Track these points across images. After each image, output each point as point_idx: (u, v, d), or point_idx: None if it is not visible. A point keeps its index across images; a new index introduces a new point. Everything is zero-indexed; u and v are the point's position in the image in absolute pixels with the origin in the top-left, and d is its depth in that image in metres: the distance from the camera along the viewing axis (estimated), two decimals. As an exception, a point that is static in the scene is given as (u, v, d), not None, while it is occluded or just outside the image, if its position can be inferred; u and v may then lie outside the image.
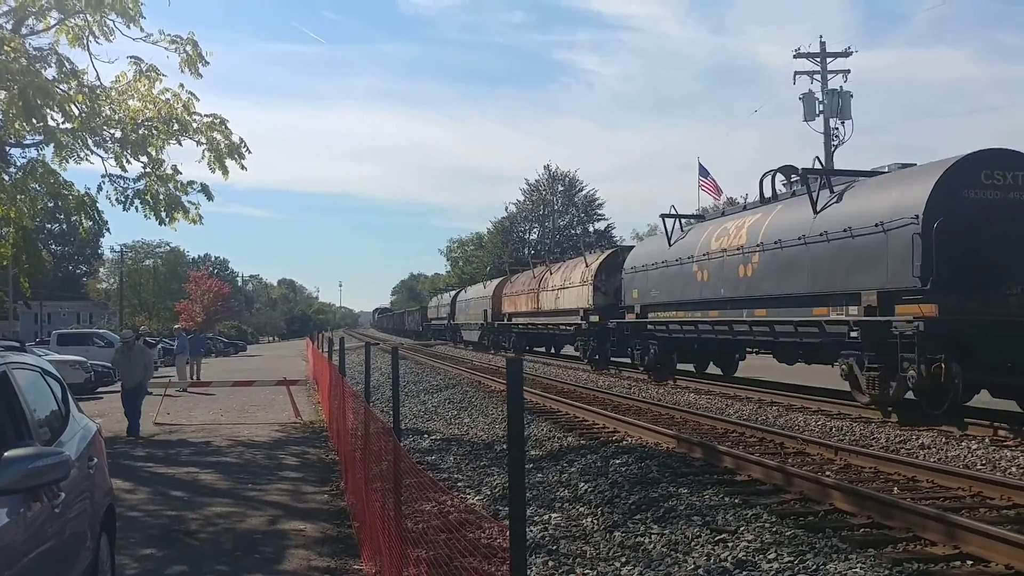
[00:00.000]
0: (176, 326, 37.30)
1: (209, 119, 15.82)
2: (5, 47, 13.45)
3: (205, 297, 71.49)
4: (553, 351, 38.72)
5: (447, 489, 6.38)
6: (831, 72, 34.13)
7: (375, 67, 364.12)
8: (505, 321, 40.81)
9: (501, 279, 45.70)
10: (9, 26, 14.39)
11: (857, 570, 5.50)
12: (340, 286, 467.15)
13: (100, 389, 23.81)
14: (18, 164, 16.18)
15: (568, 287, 30.66)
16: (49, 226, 70.88)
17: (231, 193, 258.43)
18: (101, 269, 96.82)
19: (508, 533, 2.71)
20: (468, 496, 8.54)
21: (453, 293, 61.48)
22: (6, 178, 15.39)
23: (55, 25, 14.81)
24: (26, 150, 16.28)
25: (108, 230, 17.98)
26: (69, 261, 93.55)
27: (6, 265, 17.20)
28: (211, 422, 16.18)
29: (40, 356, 6.85)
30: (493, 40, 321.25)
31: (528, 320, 36.62)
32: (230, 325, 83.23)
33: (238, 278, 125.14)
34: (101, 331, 38.51)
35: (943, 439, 11.00)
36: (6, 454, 3.48)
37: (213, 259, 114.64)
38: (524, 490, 2.76)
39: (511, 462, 2.77)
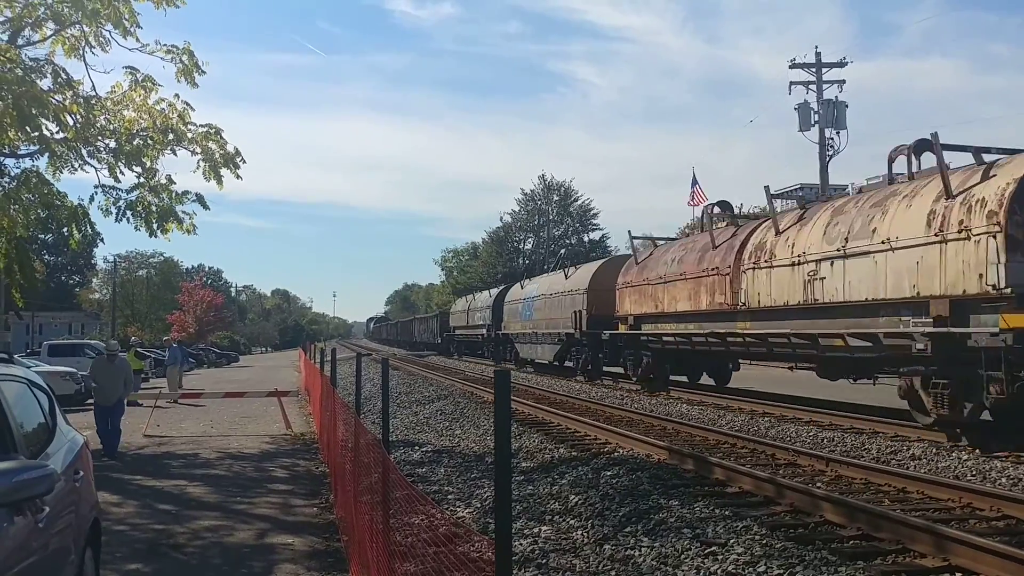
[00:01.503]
0: (166, 337, 37.22)
1: (204, 129, 15.84)
2: (1, 57, 13.46)
3: (198, 308, 71.35)
4: (705, 378, 23.29)
5: (435, 503, 6.36)
6: (826, 82, 34.37)
7: (369, 77, 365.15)
8: (627, 329, 23.58)
9: (608, 260, 29.64)
10: (5, 37, 14.42)
11: (846, 583, 5.49)
12: (334, 296, 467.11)
13: (90, 401, 23.68)
14: (12, 174, 16.17)
15: (871, 251, 13.25)
16: (42, 236, 70.64)
17: (226, 203, 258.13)
18: (94, 279, 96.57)
19: (494, 547, 2.71)
20: (458, 509, 8.52)
21: (496, 291, 43.48)
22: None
23: (51, 36, 14.82)
24: (20, 160, 16.28)
25: (102, 240, 17.98)
26: (62, 271, 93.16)
27: (-2, 275, 17.16)
28: (201, 434, 16.12)
29: (29, 367, 6.82)
30: (488, 51, 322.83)
31: (697, 327, 19.55)
32: (223, 336, 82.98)
33: (232, 288, 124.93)
34: (92, 342, 38.38)
35: (934, 450, 11.01)
36: (-11, 468, 3.46)
37: (207, 269, 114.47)
38: (510, 506, 2.75)
39: (498, 478, 2.77)
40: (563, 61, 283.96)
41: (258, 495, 9.78)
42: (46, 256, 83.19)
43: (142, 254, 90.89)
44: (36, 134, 14.50)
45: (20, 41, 14.88)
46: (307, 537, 7.63)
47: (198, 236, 16.96)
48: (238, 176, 16.25)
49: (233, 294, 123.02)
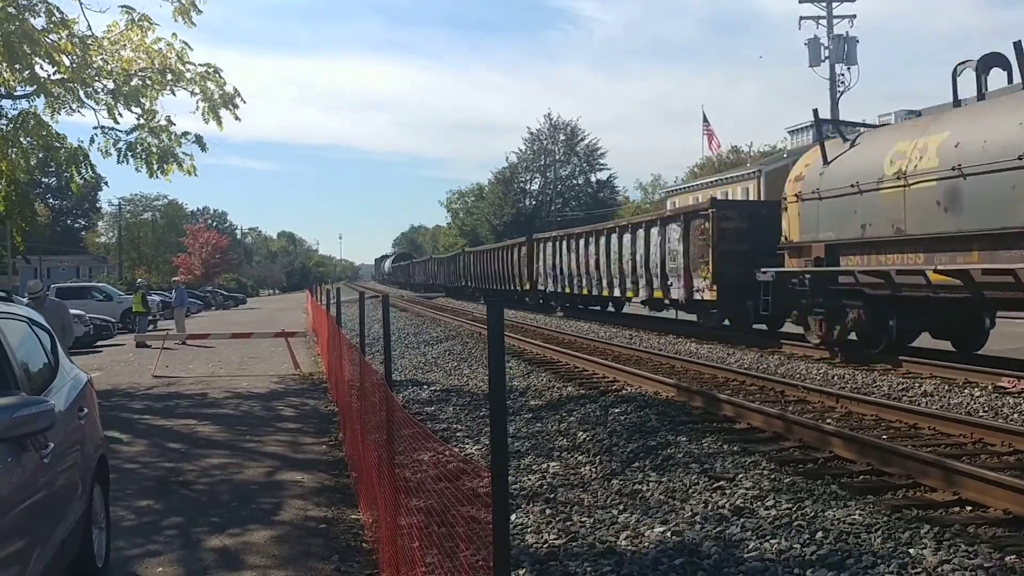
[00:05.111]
0: (175, 278, 37.28)
1: (203, 69, 15.58)
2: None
3: (203, 250, 71.44)
4: None
5: (441, 440, 6.34)
6: (837, 17, 33.60)
7: (370, 16, 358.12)
8: None
9: None
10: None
11: (856, 516, 5.47)
12: (340, 238, 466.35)
13: (99, 343, 23.88)
14: (9, 116, 15.96)
15: None
16: (46, 180, 70.40)
17: (229, 145, 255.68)
18: (100, 223, 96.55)
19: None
20: (467, 446, 8.53)
21: None
22: (-3, 130, 15.20)
23: (44, -27, 14.44)
24: (17, 102, 16.04)
25: (106, 184, 17.84)
26: (67, 215, 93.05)
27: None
28: (209, 374, 16.19)
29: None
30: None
31: None
32: (229, 278, 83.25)
33: (237, 231, 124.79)
34: (100, 284, 38.48)
35: (946, 387, 10.96)
36: (-12, 404, 3.41)
37: (212, 212, 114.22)
38: (506, 434, 2.69)
39: (493, 409, 2.69)
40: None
41: (267, 433, 9.82)
42: (51, 200, 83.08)
43: (146, 197, 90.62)
44: (29, 73, 14.24)
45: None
46: (316, 474, 7.66)
47: (202, 178, 17.04)
48: (237, 117, 16.07)
49: (239, 236, 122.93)
